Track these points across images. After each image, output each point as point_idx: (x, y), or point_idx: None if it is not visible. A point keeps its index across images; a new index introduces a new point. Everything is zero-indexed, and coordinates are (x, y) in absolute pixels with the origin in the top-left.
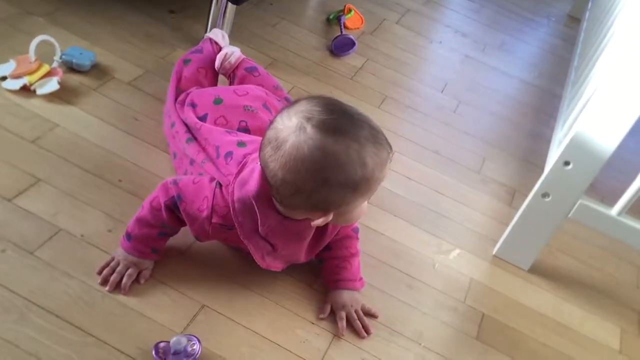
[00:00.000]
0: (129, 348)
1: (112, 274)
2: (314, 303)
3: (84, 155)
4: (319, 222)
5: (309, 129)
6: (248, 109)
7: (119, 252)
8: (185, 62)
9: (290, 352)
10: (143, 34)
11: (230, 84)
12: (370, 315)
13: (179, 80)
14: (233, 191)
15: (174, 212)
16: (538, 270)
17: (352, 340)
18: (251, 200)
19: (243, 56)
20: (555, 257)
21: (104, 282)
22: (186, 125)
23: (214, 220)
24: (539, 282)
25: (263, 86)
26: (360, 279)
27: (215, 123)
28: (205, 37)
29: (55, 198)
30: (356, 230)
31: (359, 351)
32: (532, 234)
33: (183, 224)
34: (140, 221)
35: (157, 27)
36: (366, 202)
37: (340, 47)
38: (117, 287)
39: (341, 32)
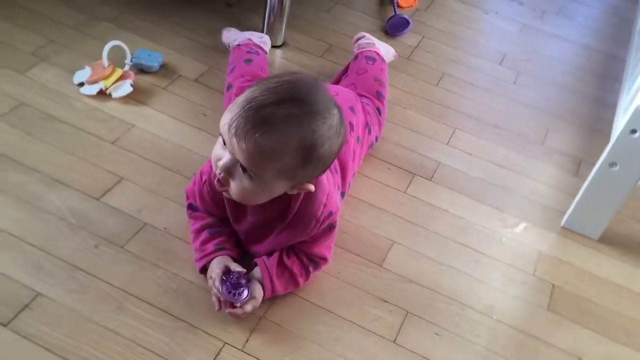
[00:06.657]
0: (217, 331)
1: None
2: (385, 282)
3: (160, 152)
4: None
5: None
6: None
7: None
8: (247, 61)
9: (366, 329)
10: (203, 29)
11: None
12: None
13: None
14: None
15: (194, 205)
16: (608, 239)
17: (424, 315)
18: None
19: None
20: (626, 224)
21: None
22: None
23: (205, 178)
24: (609, 251)
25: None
26: (274, 290)
27: None
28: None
29: (138, 195)
30: (315, 265)
31: (432, 326)
32: (600, 203)
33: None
34: (191, 233)
35: (215, 21)
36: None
37: (395, 27)
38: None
39: (395, 12)
